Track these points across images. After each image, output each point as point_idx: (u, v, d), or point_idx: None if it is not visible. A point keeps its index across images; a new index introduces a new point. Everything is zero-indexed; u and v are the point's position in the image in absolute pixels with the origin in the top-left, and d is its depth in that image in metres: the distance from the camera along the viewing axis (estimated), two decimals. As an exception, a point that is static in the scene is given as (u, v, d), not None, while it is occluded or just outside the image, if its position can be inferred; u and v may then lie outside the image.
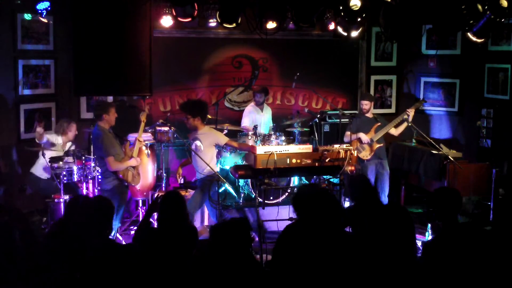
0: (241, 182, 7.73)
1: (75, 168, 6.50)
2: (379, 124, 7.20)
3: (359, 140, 7.16)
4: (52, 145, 6.78)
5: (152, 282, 3.73)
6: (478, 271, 3.49)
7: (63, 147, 6.95)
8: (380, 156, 7.23)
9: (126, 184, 6.13)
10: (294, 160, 5.89)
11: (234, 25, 6.35)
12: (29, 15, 6.59)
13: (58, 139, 6.85)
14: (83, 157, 6.69)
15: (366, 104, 7.34)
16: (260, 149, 5.86)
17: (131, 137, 7.15)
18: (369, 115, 7.34)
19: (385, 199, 7.36)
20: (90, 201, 4.28)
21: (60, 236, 3.88)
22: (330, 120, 8.37)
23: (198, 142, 6.38)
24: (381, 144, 7.19)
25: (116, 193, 5.99)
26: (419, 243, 6.56)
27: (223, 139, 6.46)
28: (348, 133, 7.20)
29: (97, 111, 6.11)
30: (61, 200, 6.40)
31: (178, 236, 4.13)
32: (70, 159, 6.57)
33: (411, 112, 7.18)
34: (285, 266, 3.55)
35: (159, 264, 3.89)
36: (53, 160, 6.59)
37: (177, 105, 8.49)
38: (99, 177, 6.55)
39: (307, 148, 6.06)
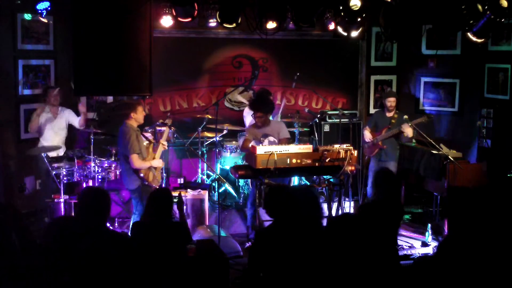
0: (241, 182, 7.73)
1: (75, 168, 6.51)
2: (389, 126, 7.20)
3: (365, 137, 7.28)
4: (47, 121, 6.94)
5: (145, 273, 3.76)
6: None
7: (54, 116, 7.03)
8: (382, 158, 7.24)
9: (146, 183, 6.08)
10: (294, 160, 5.89)
11: (234, 25, 6.35)
12: (29, 15, 6.59)
13: (46, 113, 6.98)
14: (83, 157, 6.71)
15: (393, 101, 7.30)
16: (260, 149, 5.86)
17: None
18: (389, 113, 7.33)
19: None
20: (88, 190, 4.33)
21: (58, 234, 3.89)
22: (330, 120, 8.36)
23: (271, 138, 6.44)
24: (384, 146, 7.18)
25: (142, 192, 5.97)
26: (419, 243, 6.60)
27: (284, 132, 6.56)
28: (366, 127, 7.38)
29: (124, 110, 6.02)
30: (61, 200, 6.40)
31: (166, 231, 4.20)
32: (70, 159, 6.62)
33: (405, 128, 7.03)
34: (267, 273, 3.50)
35: (151, 256, 3.95)
36: (53, 160, 6.61)
37: (177, 105, 8.51)
38: (109, 176, 6.72)
39: (307, 148, 6.06)
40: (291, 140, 7.86)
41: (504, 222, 3.76)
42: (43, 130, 7.01)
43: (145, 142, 6.13)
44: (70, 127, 7.28)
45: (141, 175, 5.94)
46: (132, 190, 6.05)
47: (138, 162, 5.86)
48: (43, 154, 6.51)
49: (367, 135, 7.27)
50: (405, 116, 7.26)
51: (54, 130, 7.05)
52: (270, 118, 6.88)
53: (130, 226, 4.75)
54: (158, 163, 6.13)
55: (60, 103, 7.12)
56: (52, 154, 6.76)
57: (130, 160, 5.85)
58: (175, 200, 4.94)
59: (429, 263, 3.43)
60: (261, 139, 6.50)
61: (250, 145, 6.47)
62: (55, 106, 7.07)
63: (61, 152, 6.94)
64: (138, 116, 6.00)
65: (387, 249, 3.81)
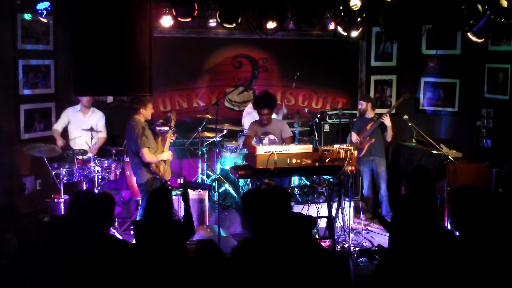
0: (241, 182, 7.73)
1: (75, 168, 6.52)
2: (373, 123, 7.29)
3: (351, 139, 7.34)
4: (75, 120, 7.19)
5: (145, 275, 3.76)
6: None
7: (84, 116, 7.23)
8: (372, 153, 7.30)
9: (157, 177, 6.15)
10: (294, 160, 5.89)
11: (234, 25, 6.35)
12: (29, 15, 6.59)
13: (76, 111, 7.21)
14: (83, 157, 6.71)
15: (361, 104, 7.51)
16: (260, 149, 5.85)
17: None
18: (368, 115, 7.38)
19: (381, 196, 7.39)
20: (91, 196, 4.32)
21: (56, 233, 3.89)
22: (330, 120, 8.36)
23: (272, 136, 6.44)
24: (373, 140, 7.25)
25: (149, 186, 6.02)
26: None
27: (287, 131, 6.49)
28: (352, 132, 7.38)
29: (135, 105, 6.16)
30: (61, 200, 6.41)
31: (165, 230, 4.22)
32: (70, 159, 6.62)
33: (384, 118, 7.21)
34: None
35: (150, 257, 3.95)
36: (53, 160, 6.61)
37: (177, 105, 8.51)
38: (109, 176, 6.71)
39: (307, 148, 6.05)
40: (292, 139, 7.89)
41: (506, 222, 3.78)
42: (71, 129, 7.20)
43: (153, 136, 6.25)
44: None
45: (152, 168, 6.03)
46: (140, 183, 6.15)
47: (150, 156, 5.98)
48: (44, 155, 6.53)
49: (353, 136, 7.33)
50: (405, 117, 7.28)
51: (79, 131, 7.12)
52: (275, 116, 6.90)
53: (134, 225, 4.78)
54: (167, 155, 6.26)
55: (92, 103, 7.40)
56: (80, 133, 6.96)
57: (142, 155, 5.96)
58: (179, 192, 4.98)
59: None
60: (262, 136, 6.50)
61: (252, 142, 6.50)
62: (86, 107, 7.26)
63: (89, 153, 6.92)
64: (147, 112, 6.18)
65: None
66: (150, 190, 5.87)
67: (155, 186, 6.07)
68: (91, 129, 6.91)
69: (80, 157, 6.60)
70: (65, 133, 7.32)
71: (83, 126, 7.11)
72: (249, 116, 8.05)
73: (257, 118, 7.99)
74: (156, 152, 6.11)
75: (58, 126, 7.25)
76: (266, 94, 6.99)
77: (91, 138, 6.87)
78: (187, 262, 4.31)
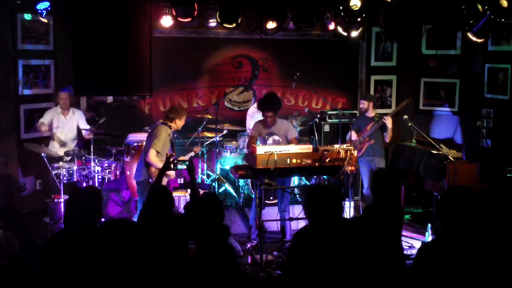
0: (241, 182, 7.73)
1: (75, 168, 6.52)
2: (373, 123, 7.28)
3: (351, 138, 7.33)
4: (57, 123, 7.12)
5: (144, 273, 3.76)
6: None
7: (65, 118, 7.17)
8: (371, 154, 7.28)
9: (151, 181, 6.15)
10: (294, 160, 5.89)
11: (234, 25, 6.35)
12: (29, 15, 6.60)
13: (57, 113, 7.15)
14: (83, 157, 6.71)
15: (362, 103, 7.47)
16: (260, 149, 5.85)
17: (131, 137, 7.18)
18: (369, 114, 7.36)
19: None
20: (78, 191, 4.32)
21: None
22: (330, 120, 8.36)
23: (276, 137, 6.43)
24: (372, 141, 7.23)
25: (144, 187, 6.03)
26: (419, 243, 6.60)
27: (293, 132, 6.53)
28: (351, 131, 7.36)
29: (171, 114, 6.17)
30: (61, 200, 6.41)
31: (165, 230, 4.21)
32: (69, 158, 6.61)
33: (386, 119, 7.18)
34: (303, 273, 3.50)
35: (151, 255, 3.95)
36: (53, 160, 6.61)
37: (177, 105, 8.50)
38: (109, 176, 6.73)
39: (307, 148, 6.05)
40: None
41: (502, 223, 3.76)
42: (54, 131, 7.14)
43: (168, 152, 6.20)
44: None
45: (151, 172, 6.03)
46: (137, 181, 6.17)
47: (153, 158, 5.98)
48: (43, 154, 6.52)
49: (353, 134, 7.32)
50: (405, 117, 7.27)
51: (64, 132, 7.15)
52: None
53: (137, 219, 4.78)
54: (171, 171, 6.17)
55: (72, 104, 7.30)
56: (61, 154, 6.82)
57: (148, 153, 5.96)
58: (185, 166, 4.99)
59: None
60: (266, 137, 6.50)
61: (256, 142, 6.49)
62: (64, 109, 7.18)
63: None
64: (180, 124, 6.22)
65: (392, 251, 3.81)
66: (144, 192, 5.88)
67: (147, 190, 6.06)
68: (74, 130, 7.06)
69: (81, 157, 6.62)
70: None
71: (65, 127, 7.15)
72: (254, 117, 8.02)
73: (259, 117, 8.01)
74: (161, 161, 6.07)
75: (45, 120, 7.14)
76: (271, 96, 6.87)
77: (74, 140, 7.04)
78: (188, 260, 4.30)
